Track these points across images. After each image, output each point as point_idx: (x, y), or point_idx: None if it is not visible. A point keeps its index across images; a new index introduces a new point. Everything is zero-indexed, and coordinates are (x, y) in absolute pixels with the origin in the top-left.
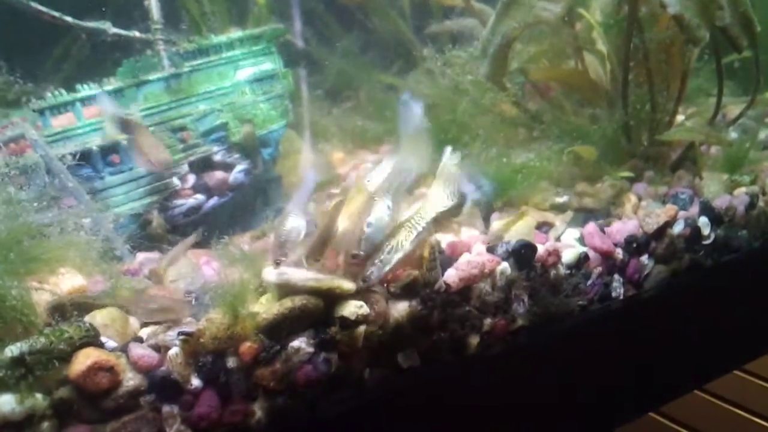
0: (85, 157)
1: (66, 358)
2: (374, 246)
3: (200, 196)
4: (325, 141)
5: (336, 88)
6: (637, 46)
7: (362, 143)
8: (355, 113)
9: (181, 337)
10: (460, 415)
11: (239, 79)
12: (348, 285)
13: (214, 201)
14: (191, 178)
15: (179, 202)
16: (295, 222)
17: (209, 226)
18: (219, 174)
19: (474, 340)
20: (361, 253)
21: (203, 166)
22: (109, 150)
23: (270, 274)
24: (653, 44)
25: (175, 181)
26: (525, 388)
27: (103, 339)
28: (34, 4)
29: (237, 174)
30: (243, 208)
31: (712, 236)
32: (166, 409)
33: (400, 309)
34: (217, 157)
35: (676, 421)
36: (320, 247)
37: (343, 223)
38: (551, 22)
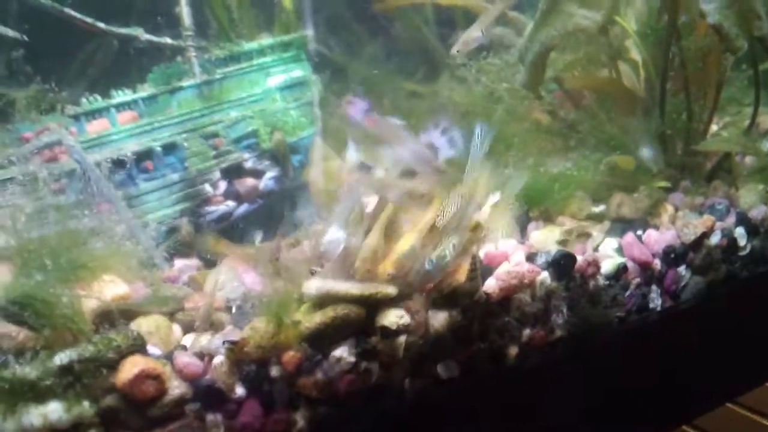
0: (119, 164)
1: (113, 366)
2: (431, 281)
3: (231, 203)
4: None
5: (361, 94)
6: (674, 54)
7: None
8: None
9: (227, 345)
10: (499, 426)
11: (270, 86)
12: (390, 290)
13: (244, 208)
14: (222, 185)
15: (211, 208)
16: (335, 234)
17: (240, 234)
18: (250, 181)
19: (513, 351)
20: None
21: (234, 173)
22: (143, 156)
23: (311, 283)
24: (691, 53)
25: (207, 187)
26: (561, 400)
27: (147, 347)
28: (68, 10)
29: (267, 181)
30: (272, 215)
31: (749, 247)
32: (210, 417)
33: (440, 319)
34: (248, 164)
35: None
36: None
37: (405, 242)
38: (590, 31)
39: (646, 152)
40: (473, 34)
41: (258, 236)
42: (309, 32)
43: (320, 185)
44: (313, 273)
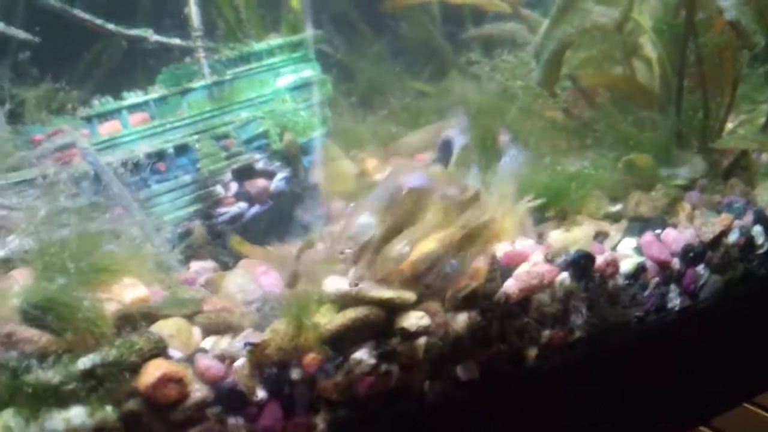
0: (131, 166)
1: (135, 369)
2: (449, 283)
3: (243, 204)
4: (359, 148)
5: (368, 94)
6: (689, 51)
7: (396, 150)
8: (390, 120)
9: (248, 347)
10: (519, 428)
11: (279, 86)
12: (408, 295)
13: (255, 209)
14: (234, 186)
15: (222, 210)
16: (367, 219)
17: (250, 235)
18: (261, 182)
19: (532, 352)
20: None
21: (245, 174)
22: (155, 158)
23: (330, 284)
24: (708, 50)
25: (219, 189)
26: (580, 400)
27: (168, 350)
28: (78, 12)
29: (278, 182)
30: (283, 216)
31: (766, 245)
32: (231, 421)
33: (460, 321)
34: (259, 165)
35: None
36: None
37: (424, 246)
38: (608, 28)
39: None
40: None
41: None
42: (317, 32)
43: (329, 186)
44: (342, 254)
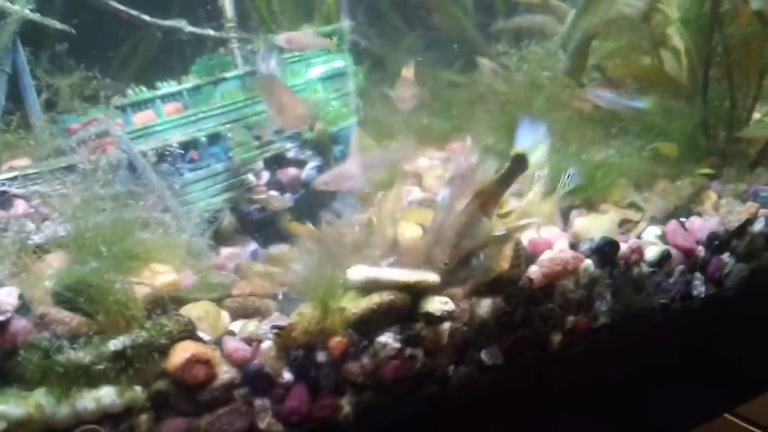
0: (165, 154)
1: (164, 351)
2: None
3: (274, 193)
4: (391, 138)
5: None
6: (717, 42)
7: (428, 141)
8: (421, 111)
9: (275, 330)
10: (542, 413)
11: (311, 76)
12: (433, 278)
13: (287, 197)
14: (265, 175)
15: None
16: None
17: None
18: (292, 171)
19: (556, 337)
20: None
21: (277, 162)
22: (187, 147)
23: (355, 271)
24: (734, 40)
25: (251, 177)
26: (604, 387)
27: (197, 332)
28: (113, 3)
29: (309, 171)
30: (313, 204)
31: None
32: (258, 402)
33: (484, 306)
34: (290, 154)
35: (750, 421)
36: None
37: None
38: (633, 18)
39: None
40: None
41: None
42: (348, 23)
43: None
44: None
